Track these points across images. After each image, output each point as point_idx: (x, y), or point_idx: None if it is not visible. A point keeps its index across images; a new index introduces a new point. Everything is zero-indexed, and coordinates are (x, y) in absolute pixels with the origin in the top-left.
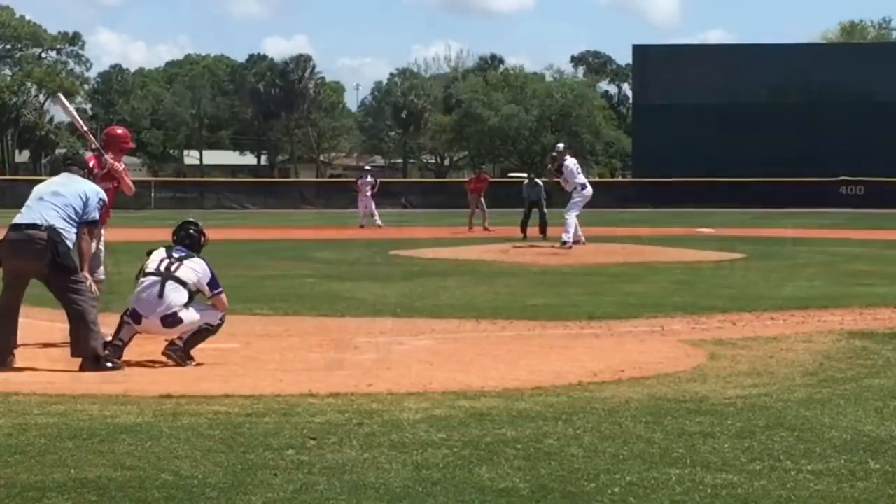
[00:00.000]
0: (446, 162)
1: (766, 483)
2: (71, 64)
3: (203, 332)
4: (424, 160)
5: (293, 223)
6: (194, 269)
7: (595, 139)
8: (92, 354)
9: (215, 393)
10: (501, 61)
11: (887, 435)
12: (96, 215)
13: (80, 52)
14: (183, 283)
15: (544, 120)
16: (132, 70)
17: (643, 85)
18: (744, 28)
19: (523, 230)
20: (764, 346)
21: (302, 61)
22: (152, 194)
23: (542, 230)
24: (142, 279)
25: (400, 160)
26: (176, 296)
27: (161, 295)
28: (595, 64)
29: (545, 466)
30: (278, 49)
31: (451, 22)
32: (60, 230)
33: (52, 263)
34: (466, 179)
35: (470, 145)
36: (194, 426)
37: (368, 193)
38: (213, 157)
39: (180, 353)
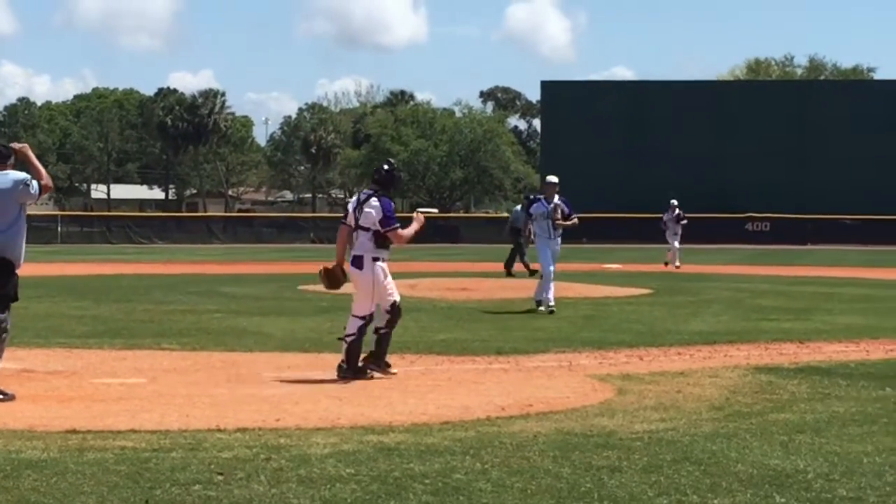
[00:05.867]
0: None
1: None
2: None
3: (354, 343)
4: (333, 195)
5: (201, 258)
6: (371, 210)
7: (504, 175)
8: None
9: (121, 428)
10: (412, 97)
11: (793, 469)
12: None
13: None
14: (365, 229)
15: (453, 155)
16: (39, 103)
17: (552, 120)
18: (644, 65)
19: (508, 267)
20: (671, 380)
21: (211, 95)
22: (59, 228)
23: (527, 266)
24: None
25: (309, 195)
26: (361, 241)
27: (351, 244)
28: (504, 99)
29: (453, 501)
30: (185, 83)
31: (347, 56)
32: None
33: None
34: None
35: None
36: (100, 461)
37: None
38: (120, 191)
39: (348, 372)
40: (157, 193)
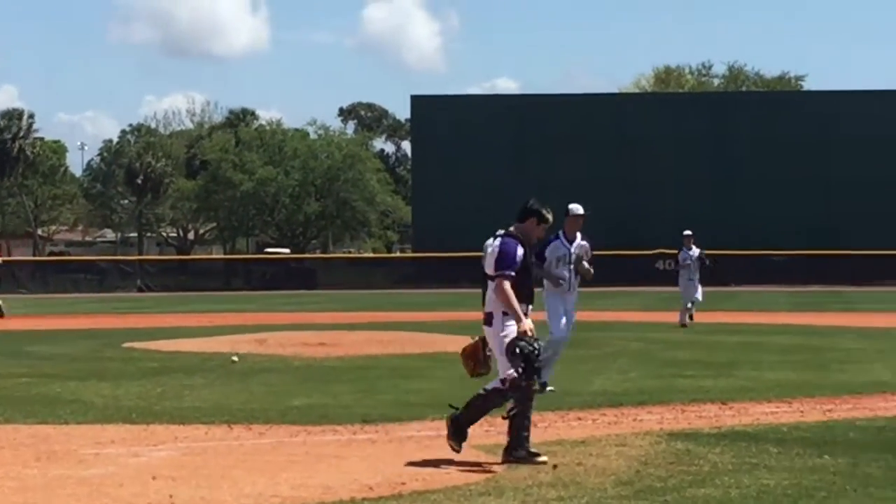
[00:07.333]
0: (190, 235)
1: None
2: None
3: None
4: (164, 234)
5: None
6: (490, 254)
7: (368, 207)
8: None
9: None
10: (255, 116)
11: None
12: None
13: None
14: (490, 278)
15: (308, 185)
16: None
17: (424, 142)
18: (531, 76)
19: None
20: (570, 451)
21: (15, 117)
22: None
23: None
24: None
25: (135, 234)
26: (489, 293)
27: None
28: (368, 118)
29: None
30: None
31: (176, 69)
32: None
33: None
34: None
35: (219, 215)
36: None
37: None
38: None
39: (519, 454)
40: None
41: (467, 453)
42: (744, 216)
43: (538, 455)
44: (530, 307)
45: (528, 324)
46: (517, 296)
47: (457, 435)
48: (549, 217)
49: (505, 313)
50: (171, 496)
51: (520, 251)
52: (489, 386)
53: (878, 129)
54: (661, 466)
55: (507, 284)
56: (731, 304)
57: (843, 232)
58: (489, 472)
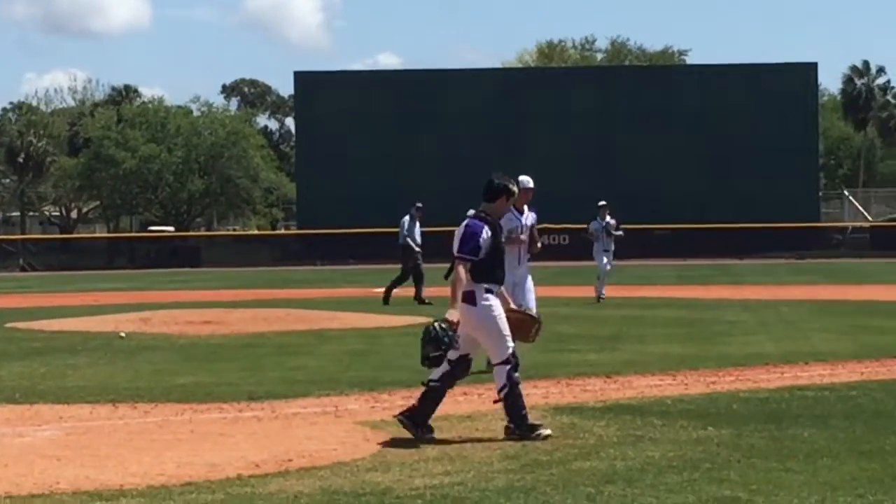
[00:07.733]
0: (74, 214)
1: None
2: None
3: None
4: (47, 213)
5: None
6: (455, 234)
7: (252, 185)
8: None
9: None
10: (137, 93)
11: None
12: None
13: None
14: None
15: (191, 162)
16: None
17: (307, 119)
18: (414, 52)
19: (388, 294)
20: (456, 425)
21: None
22: None
23: (388, 291)
24: None
25: (17, 213)
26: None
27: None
28: (251, 95)
29: None
30: None
31: (56, 46)
32: None
33: None
34: None
35: (102, 194)
36: None
37: None
38: None
39: (520, 431)
40: None
41: (353, 430)
42: (629, 190)
43: (432, 431)
44: (501, 288)
45: (454, 315)
46: (487, 277)
47: (530, 429)
48: (516, 189)
49: (488, 290)
50: (56, 476)
51: (486, 234)
52: (434, 377)
53: (761, 102)
54: (546, 440)
55: (461, 268)
56: (616, 277)
57: (727, 205)
58: (375, 447)
